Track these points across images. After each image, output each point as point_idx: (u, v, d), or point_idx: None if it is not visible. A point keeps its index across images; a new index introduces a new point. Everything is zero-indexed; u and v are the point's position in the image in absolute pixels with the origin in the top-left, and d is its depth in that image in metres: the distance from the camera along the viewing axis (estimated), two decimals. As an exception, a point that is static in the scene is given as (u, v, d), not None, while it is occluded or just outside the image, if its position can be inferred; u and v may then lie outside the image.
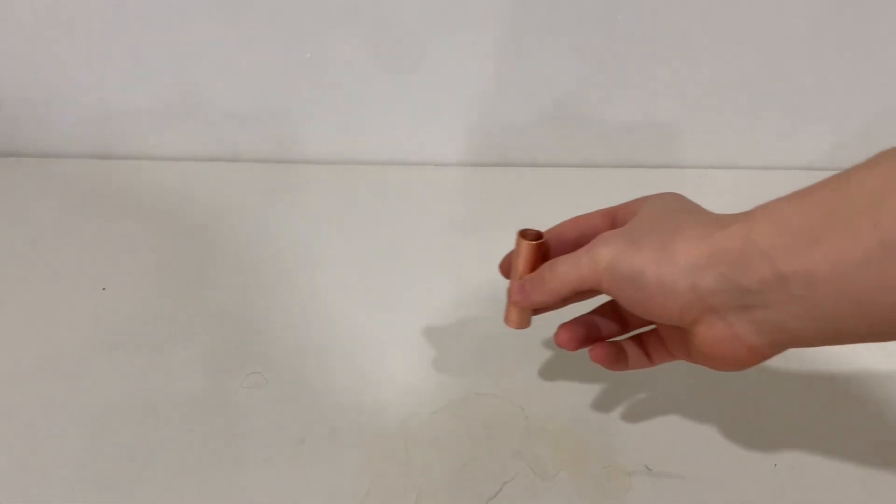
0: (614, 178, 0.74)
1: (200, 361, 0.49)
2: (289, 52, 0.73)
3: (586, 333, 0.38)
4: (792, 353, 0.50)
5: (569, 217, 0.41)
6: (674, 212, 0.33)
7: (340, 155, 0.79)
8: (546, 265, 0.36)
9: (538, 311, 0.39)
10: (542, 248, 0.38)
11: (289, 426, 0.44)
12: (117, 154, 0.79)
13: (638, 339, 0.39)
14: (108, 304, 0.55)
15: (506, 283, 0.41)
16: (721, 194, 0.73)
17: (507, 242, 0.64)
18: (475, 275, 0.58)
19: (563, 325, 0.38)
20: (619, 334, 0.39)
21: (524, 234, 0.38)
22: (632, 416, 0.44)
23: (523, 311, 0.40)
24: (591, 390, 0.46)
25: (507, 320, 0.41)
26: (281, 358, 0.49)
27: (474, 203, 0.71)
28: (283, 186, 0.74)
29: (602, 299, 0.39)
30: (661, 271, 0.30)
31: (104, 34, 0.73)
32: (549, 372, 0.48)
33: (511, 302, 0.40)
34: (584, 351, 0.48)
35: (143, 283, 0.57)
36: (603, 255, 0.32)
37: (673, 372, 0.48)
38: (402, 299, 0.55)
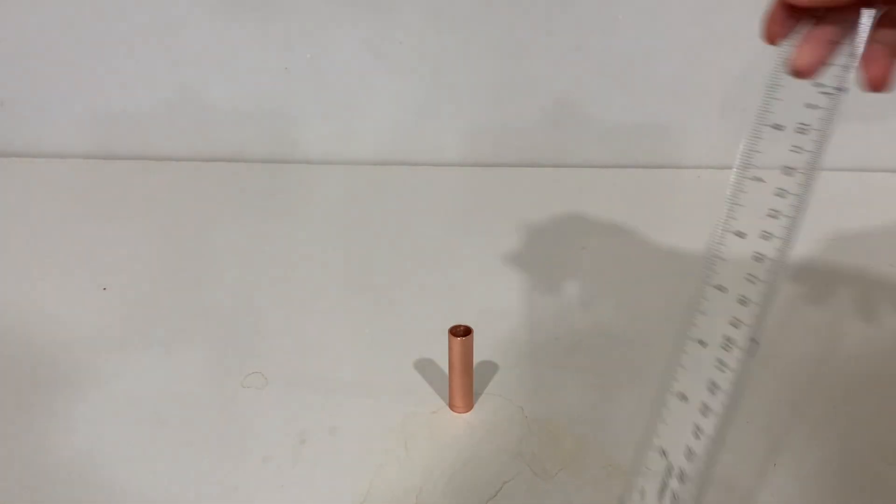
0: (614, 178, 0.74)
1: (200, 361, 0.49)
2: (289, 52, 0.73)
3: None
4: (791, 352, 0.50)
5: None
6: None
7: (340, 155, 0.79)
8: None
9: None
10: (470, 342, 0.42)
11: (289, 426, 0.44)
12: (117, 154, 0.79)
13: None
14: (108, 304, 0.55)
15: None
16: (721, 194, 0.73)
17: (507, 243, 0.64)
18: (475, 274, 0.59)
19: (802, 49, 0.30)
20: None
21: (454, 330, 0.42)
22: (632, 416, 0.44)
23: (467, 395, 0.44)
24: (591, 390, 0.46)
25: (451, 406, 0.45)
26: (281, 358, 0.49)
27: (474, 203, 0.71)
28: (283, 186, 0.74)
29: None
30: None
31: (104, 35, 0.73)
32: (549, 372, 0.48)
33: (456, 388, 0.44)
34: (584, 352, 0.48)
35: (143, 283, 0.57)
36: None
37: (672, 372, 0.48)
38: (401, 299, 0.55)
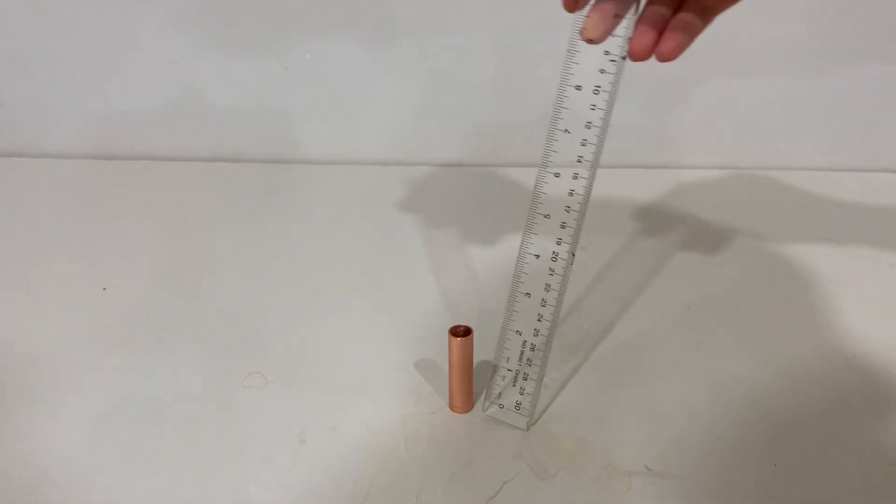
0: (614, 178, 0.74)
1: (200, 361, 0.49)
2: (288, 52, 0.73)
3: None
4: (791, 352, 0.50)
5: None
6: None
7: (340, 155, 0.79)
8: None
9: None
10: (470, 343, 0.42)
11: (289, 426, 0.44)
12: (117, 154, 0.79)
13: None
14: (108, 304, 0.55)
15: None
16: (721, 194, 0.74)
17: (507, 243, 0.64)
18: (475, 274, 0.59)
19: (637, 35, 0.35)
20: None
21: (454, 331, 0.42)
22: (632, 416, 0.44)
23: (467, 395, 0.44)
24: (590, 390, 0.46)
25: (451, 406, 0.45)
26: (281, 358, 0.49)
27: (474, 203, 0.71)
28: (283, 186, 0.74)
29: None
30: None
31: (104, 35, 0.73)
32: (548, 372, 0.48)
33: (456, 388, 0.44)
34: (584, 352, 0.48)
35: (143, 283, 0.57)
36: None
37: (673, 372, 0.48)
38: (401, 299, 0.55)
